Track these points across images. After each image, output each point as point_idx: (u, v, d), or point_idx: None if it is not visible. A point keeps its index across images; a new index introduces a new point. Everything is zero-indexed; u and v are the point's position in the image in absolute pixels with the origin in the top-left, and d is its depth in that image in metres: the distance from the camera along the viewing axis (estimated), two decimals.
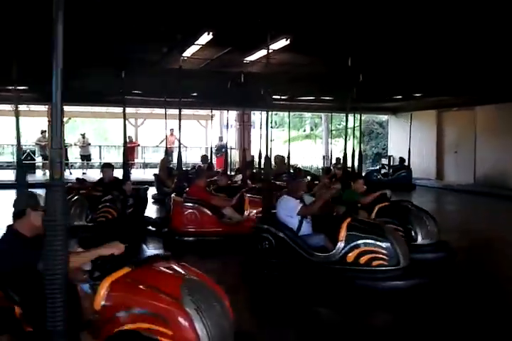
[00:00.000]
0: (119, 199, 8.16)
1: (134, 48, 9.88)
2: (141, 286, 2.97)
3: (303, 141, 29.52)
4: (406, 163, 17.69)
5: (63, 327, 1.78)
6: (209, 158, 15.79)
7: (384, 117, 24.48)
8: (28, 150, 18.72)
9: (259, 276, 5.99)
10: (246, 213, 7.87)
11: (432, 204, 13.32)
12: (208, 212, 7.75)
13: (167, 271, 3.19)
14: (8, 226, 3.30)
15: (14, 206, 3.36)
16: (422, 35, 8.53)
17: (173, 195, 8.05)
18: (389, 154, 21.57)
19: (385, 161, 21.21)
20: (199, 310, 2.81)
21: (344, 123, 9.74)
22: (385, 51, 9.96)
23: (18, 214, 3.30)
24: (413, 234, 6.59)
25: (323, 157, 20.44)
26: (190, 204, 7.68)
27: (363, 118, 11.40)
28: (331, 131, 25.44)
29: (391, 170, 18.15)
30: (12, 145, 18.82)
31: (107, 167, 8.88)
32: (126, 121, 23.96)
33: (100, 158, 21.46)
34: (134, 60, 10.70)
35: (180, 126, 8.96)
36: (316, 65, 11.60)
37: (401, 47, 9.58)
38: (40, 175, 18.33)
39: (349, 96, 9.04)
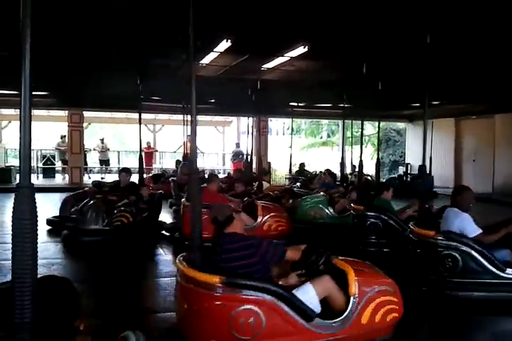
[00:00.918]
0: (134, 203, 8.24)
1: (153, 54, 10.00)
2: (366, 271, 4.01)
3: (320, 147, 29.46)
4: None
5: (30, 320, 1.85)
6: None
7: (401, 125, 24.34)
8: (48, 155, 18.97)
9: (444, 299, 5.21)
10: (259, 220, 7.86)
11: None
12: None
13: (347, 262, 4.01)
14: None
15: None
16: (440, 42, 8.50)
17: (183, 200, 8.05)
18: (406, 162, 21.42)
19: (402, 169, 21.09)
20: None
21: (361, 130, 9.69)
22: (403, 58, 9.95)
23: None
24: None
25: (340, 164, 20.32)
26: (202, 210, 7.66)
27: (380, 125, 11.34)
28: (348, 137, 25.38)
29: (409, 178, 18.02)
30: (33, 150, 19.12)
31: (124, 172, 8.97)
32: (145, 127, 24.23)
33: (119, 163, 21.66)
34: (152, 66, 10.83)
35: (193, 131, 8.96)
36: (334, 72, 11.61)
37: (419, 54, 9.55)
38: (59, 179, 18.58)
39: (366, 104, 9.04)
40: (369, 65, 8.61)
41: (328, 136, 31.18)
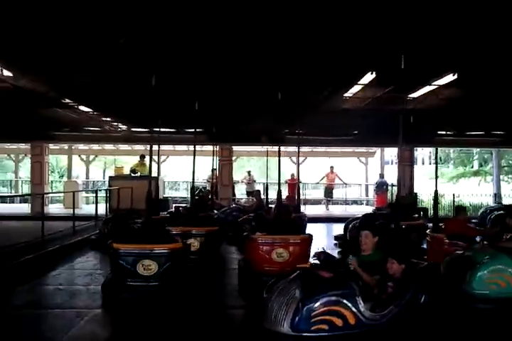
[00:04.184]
0: None
1: (296, 91, 10.37)
2: None
3: (470, 178, 27.72)
4: None
5: None
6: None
7: None
8: (201, 187, 20.23)
9: None
10: None
11: None
12: None
13: None
14: None
15: None
16: None
17: None
18: None
19: None
20: None
21: None
22: None
23: None
24: None
25: (495, 195, 18.94)
26: None
27: None
28: (503, 167, 23.62)
29: None
30: (187, 182, 20.56)
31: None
32: (289, 159, 24.84)
33: (265, 194, 22.33)
34: (295, 102, 11.19)
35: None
36: (484, 99, 11.05)
37: None
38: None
39: None
40: None
41: (480, 165, 29.28)
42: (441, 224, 7.96)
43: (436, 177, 7.98)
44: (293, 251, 6.99)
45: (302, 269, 4.61)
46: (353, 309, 4.09)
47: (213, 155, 14.91)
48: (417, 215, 11.30)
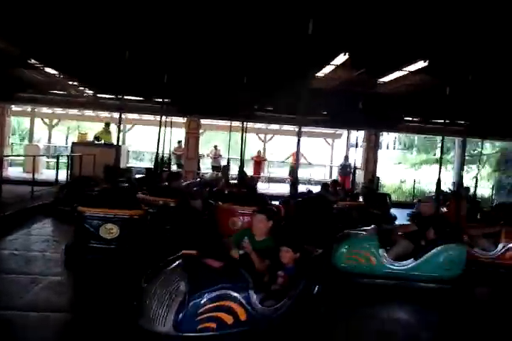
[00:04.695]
0: None
1: (269, 67, 10.30)
2: None
3: (432, 165, 28.33)
4: None
5: None
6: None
7: None
8: (165, 159, 20.03)
9: None
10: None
11: None
12: None
13: None
14: None
15: None
16: None
17: None
18: None
19: None
20: None
21: (479, 149, 9.25)
22: None
23: None
24: None
25: (453, 183, 19.40)
26: None
27: (501, 144, 10.73)
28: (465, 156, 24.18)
29: None
30: (151, 152, 20.31)
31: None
32: (256, 136, 24.76)
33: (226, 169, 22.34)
34: (267, 78, 11.13)
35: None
36: (453, 87, 11.20)
37: None
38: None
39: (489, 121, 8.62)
40: (495, 81, 8.24)
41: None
42: None
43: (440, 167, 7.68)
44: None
45: (187, 256, 3.98)
46: (245, 303, 3.61)
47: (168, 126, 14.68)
48: None
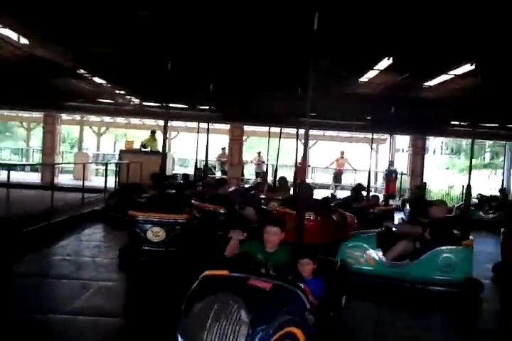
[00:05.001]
0: None
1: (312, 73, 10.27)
2: None
3: (481, 170, 27.55)
4: None
5: None
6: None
7: None
8: (210, 166, 20.25)
9: None
10: None
11: None
12: None
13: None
14: None
15: None
16: None
17: None
18: None
19: None
20: None
21: None
22: None
23: None
24: None
25: (500, 190, 18.75)
26: None
27: None
28: None
29: None
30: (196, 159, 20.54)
31: None
32: (299, 142, 24.60)
33: (272, 175, 22.37)
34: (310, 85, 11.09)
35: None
36: (500, 91, 10.91)
37: None
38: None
39: None
40: None
41: (492, 158, 29.05)
42: None
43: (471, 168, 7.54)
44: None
45: (234, 278, 3.37)
46: (303, 325, 3.17)
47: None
48: None
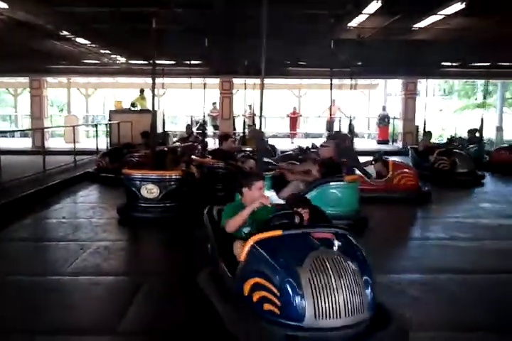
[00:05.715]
0: None
1: (299, 19, 9.99)
2: None
3: (474, 110, 27.42)
4: None
5: None
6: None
7: None
8: (201, 121, 20.05)
9: None
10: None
11: None
12: None
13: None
14: None
15: None
16: None
17: None
18: None
19: None
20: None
21: None
22: None
23: None
24: None
25: (496, 128, 18.81)
26: None
27: None
28: (507, 99, 23.25)
29: None
30: (187, 116, 20.30)
31: None
32: (290, 92, 24.40)
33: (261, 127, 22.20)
34: (299, 31, 10.83)
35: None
36: (493, 29, 10.64)
37: None
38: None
39: None
40: None
41: (484, 98, 28.82)
42: None
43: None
44: None
45: (297, 236, 3.24)
46: None
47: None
48: None
